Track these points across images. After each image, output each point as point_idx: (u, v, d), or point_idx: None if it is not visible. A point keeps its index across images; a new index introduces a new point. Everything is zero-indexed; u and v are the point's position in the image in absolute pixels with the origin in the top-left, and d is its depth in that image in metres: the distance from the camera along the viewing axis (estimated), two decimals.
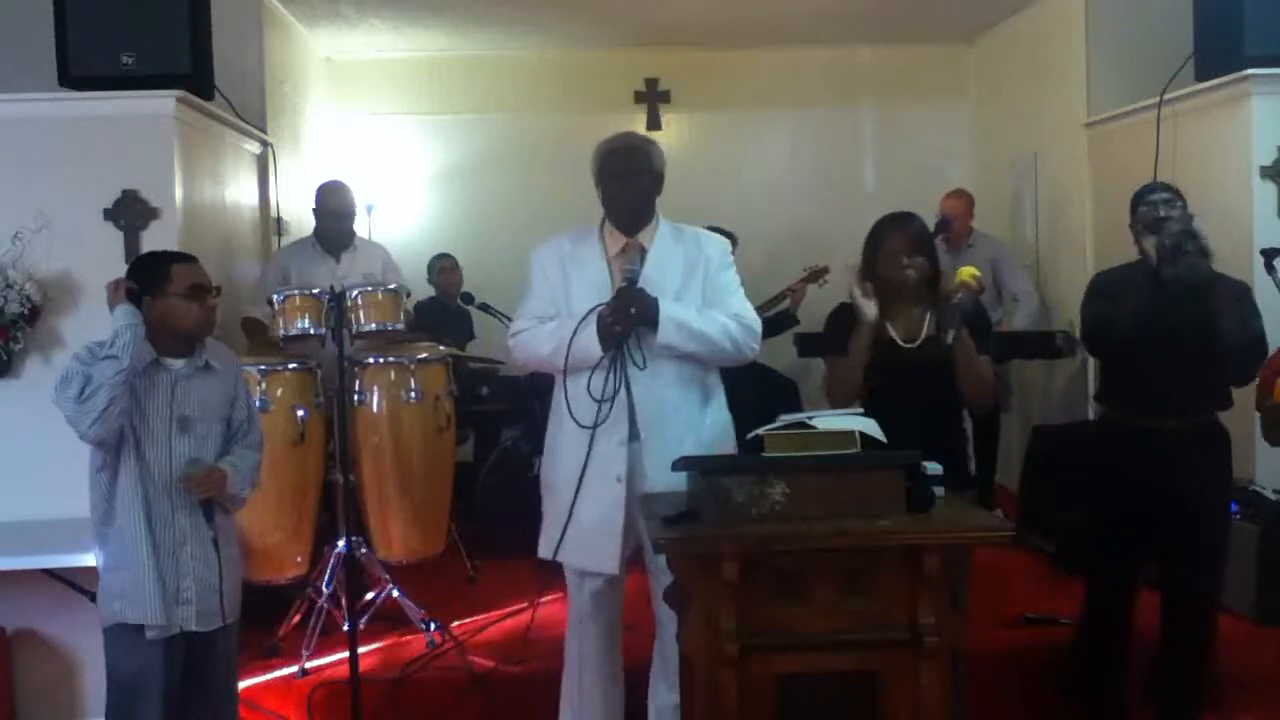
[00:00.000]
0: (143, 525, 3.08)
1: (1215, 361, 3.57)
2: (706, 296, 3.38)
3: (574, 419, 3.27)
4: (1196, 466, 3.60)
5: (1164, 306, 3.52)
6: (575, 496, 3.27)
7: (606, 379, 3.24)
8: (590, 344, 3.24)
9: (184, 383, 3.16)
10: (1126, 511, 3.64)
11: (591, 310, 3.24)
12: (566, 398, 3.31)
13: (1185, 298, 3.51)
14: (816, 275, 6.15)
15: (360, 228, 5.53)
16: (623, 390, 3.27)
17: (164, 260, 3.21)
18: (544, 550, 3.42)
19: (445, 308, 6.42)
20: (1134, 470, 3.61)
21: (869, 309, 3.39)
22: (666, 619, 3.32)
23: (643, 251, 3.37)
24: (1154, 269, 3.56)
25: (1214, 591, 3.71)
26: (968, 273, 3.37)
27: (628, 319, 3.23)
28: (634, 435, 3.31)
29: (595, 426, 3.25)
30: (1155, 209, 3.61)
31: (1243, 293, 3.65)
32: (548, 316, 3.39)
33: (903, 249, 3.43)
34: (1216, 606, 3.73)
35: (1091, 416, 3.90)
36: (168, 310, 3.13)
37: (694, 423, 3.36)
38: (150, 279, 3.14)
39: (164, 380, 3.14)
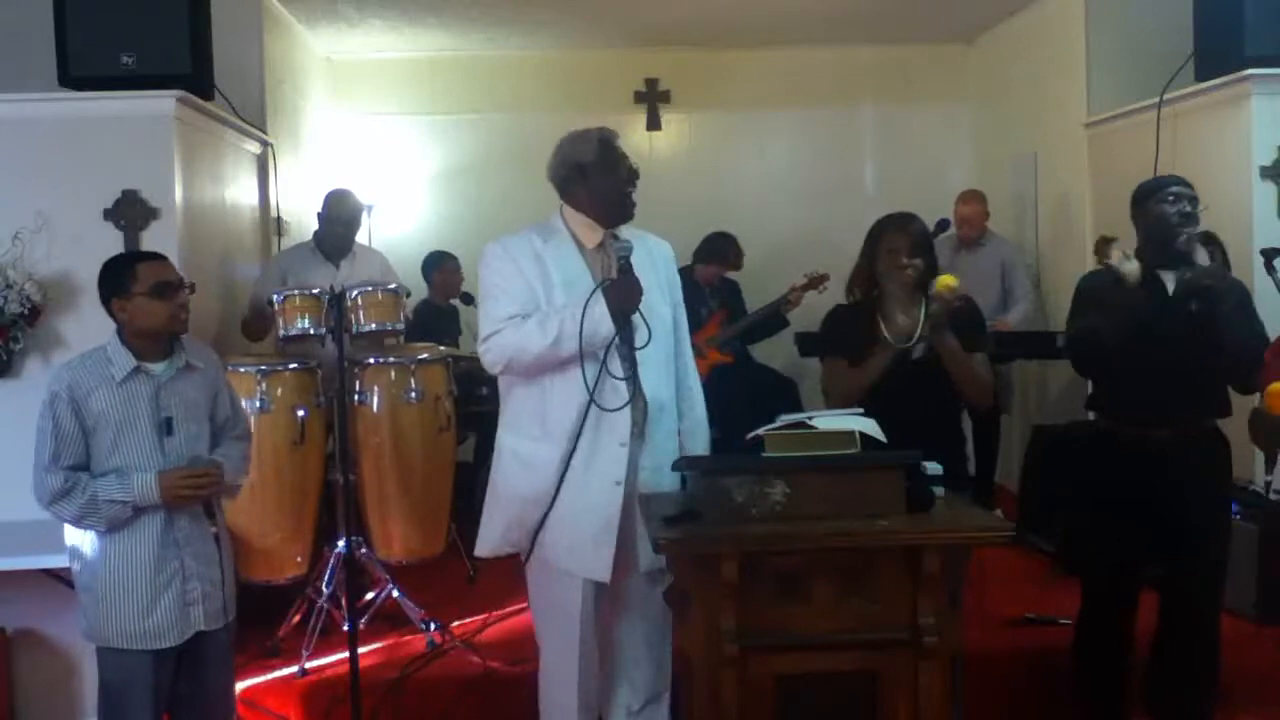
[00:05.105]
0: (150, 539, 3.08)
1: (1213, 369, 3.46)
2: (669, 298, 3.34)
3: (597, 404, 3.09)
4: (1194, 476, 3.49)
5: (1161, 313, 3.42)
6: (555, 497, 3.17)
7: (607, 362, 3.11)
8: (601, 322, 3.08)
9: (167, 387, 3.12)
10: (1123, 521, 3.54)
11: (594, 289, 3.10)
12: (588, 385, 3.08)
13: (1188, 304, 3.40)
14: (816, 282, 6.11)
15: (360, 229, 5.51)
16: (630, 390, 3.16)
17: (129, 260, 3.17)
18: (502, 548, 3.39)
19: (436, 308, 6.40)
20: (1131, 480, 3.51)
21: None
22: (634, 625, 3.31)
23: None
24: (1151, 273, 3.45)
25: (1215, 602, 3.60)
26: (943, 283, 3.35)
27: (637, 289, 3.11)
28: (633, 436, 3.20)
29: (618, 408, 3.11)
30: (1181, 204, 3.44)
31: (1245, 296, 3.53)
32: (523, 315, 3.17)
33: (903, 249, 3.43)
34: (1219, 616, 3.63)
35: (1092, 417, 3.83)
36: (135, 311, 3.08)
37: (675, 423, 3.33)
38: (116, 281, 3.10)
39: (146, 388, 3.09)
